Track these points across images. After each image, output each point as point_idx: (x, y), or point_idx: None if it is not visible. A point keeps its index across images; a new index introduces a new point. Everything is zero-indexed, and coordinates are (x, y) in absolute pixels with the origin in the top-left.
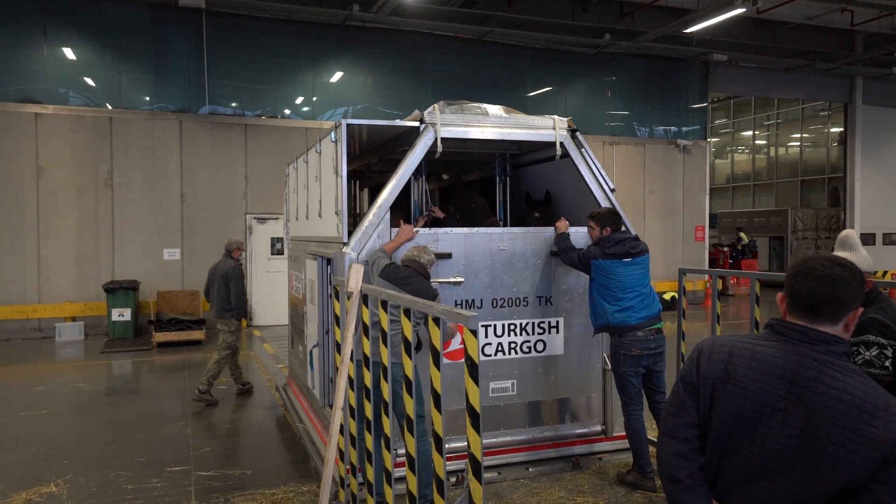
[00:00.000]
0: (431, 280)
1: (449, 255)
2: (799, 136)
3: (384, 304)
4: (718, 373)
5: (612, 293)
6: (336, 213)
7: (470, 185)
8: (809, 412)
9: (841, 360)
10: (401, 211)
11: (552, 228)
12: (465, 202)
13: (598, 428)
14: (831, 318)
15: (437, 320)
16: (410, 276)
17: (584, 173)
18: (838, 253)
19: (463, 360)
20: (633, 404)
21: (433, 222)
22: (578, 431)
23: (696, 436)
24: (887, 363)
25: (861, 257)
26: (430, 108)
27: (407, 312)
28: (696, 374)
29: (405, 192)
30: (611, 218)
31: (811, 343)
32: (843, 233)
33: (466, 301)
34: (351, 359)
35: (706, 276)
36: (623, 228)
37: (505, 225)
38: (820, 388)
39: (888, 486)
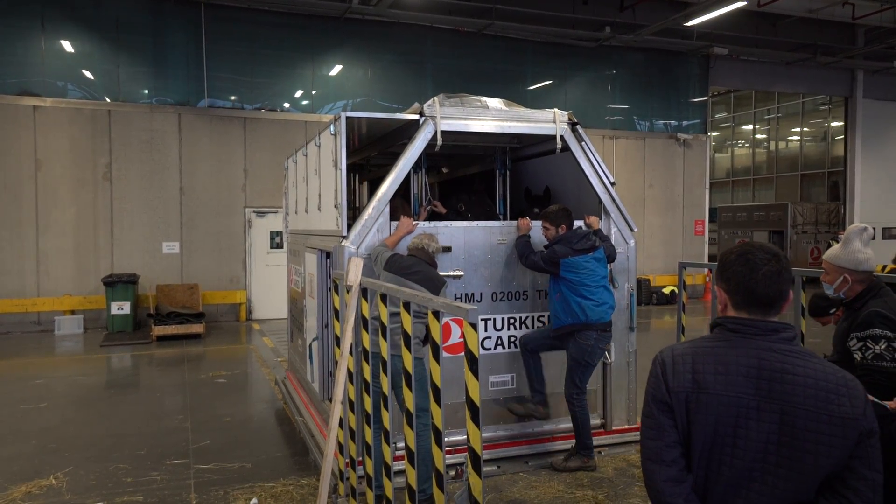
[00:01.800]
0: None
1: (448, 249)
2: (799, 130)
3: (384, 298)
4: (688, 384)
5: (586, 289)
6: (335, 206)
7: (479, 183)
8: (782, 404)
9: (793, 344)
10: (403, 198)
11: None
12: (479, 203)
13: (598, 421)
14: (778, 309)
15: (437, 314)
16: (415, 264)
17: (584, 167)
18: (846, 247)
19: (462, 353)
20: (584, 392)
21: (433, 217)
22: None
23: (681, 454)
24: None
25: (848, 252)
26: (429, 101)
27: (407, 306)
28: (665, 390)
29: (405, 185)
30: (563, 215)
31: (766, 335)
32: (857, 227)
33: (466, 295)
34: (350, 352)
35: (706, 270)
36: (576, 225)
37: (504, 219)
38: (786, 377)
39: (866, 458)
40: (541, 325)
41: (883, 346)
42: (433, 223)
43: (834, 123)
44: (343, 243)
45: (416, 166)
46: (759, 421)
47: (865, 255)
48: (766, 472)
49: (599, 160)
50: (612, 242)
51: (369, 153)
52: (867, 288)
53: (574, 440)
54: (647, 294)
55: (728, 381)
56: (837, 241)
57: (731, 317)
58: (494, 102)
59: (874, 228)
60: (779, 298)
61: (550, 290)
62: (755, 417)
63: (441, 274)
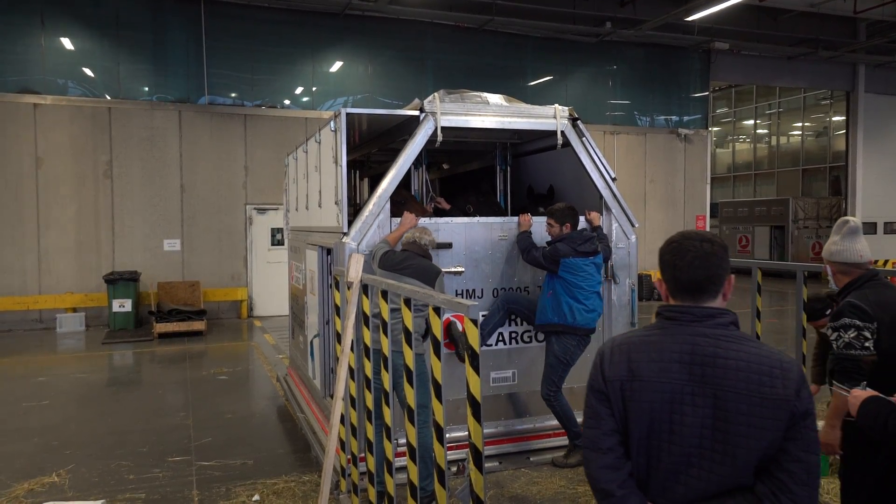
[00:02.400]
0: None
1: (449, 245)
2: (800, 124)
3: (384, 294)
4: (623, 373)
5: (581, 292)
6: (336, 202)
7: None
8: (715, 388)
9: (729, 329)
10: (411, 193)
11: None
12: (488, 204)
13: None
14: (712, 294)
15: (437, 310)
16: (407, 258)
17: (585, 162)
18: (837, 238)
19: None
20: (560, 390)
21: (437, 213)
22: (580, 420)
23: (619, 442)
24: (867, 343)
25: (828, 244)
26: (429, 97)
27: (408, 302)
28: (602, 379)
29: (405, 181)
30: (570, 214)
31: (699, 320)
32: (840, 220)
33: (467, 291)
34: (351, 349)
35: None
36: (580, 225)
37: (505, 215)
38: (718, 361)
39: (801, 440)
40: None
41: (852, 335)
42: (434, 219)
43: (835, 118)
44: (344, 240)
45: (417, 162)
46: (694, 406)
47: (838, 247)
48: (703, 457)
49: (600, 155)
50: (613, 238)
51: (370, 150)
52: (853, 280)
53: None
54: (648, 289)
55: (661, 367)
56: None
57: (668, 305)
58: (495, 98)
59: (876, 223)
60: (707, 283)
61: (544, 286)
62: (690, 403)
63: (442, 270)
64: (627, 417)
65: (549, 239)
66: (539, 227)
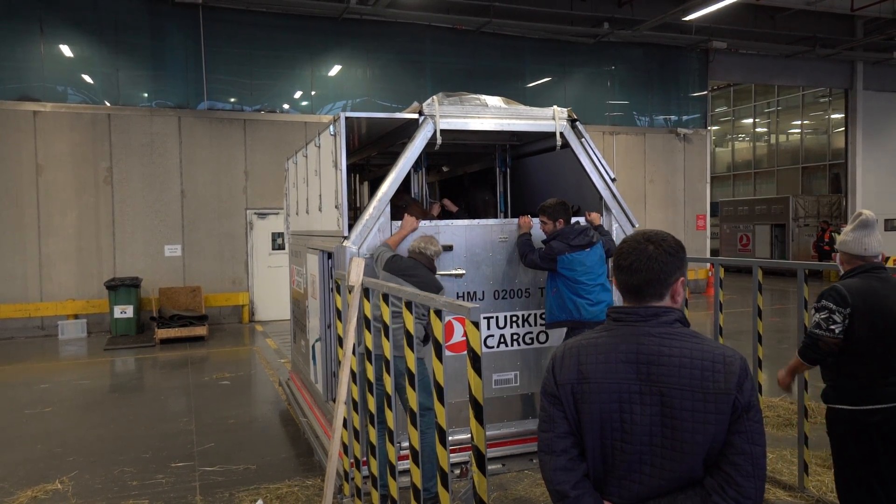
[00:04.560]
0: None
1: (450, 248)
2: (799, 122)
3: (385, 298)
4: (573, 376)
5: (583, 286)
6: (336, 206)
7: (480, 182)
8: (661, 386)
9: (674, 327)
10: (412, 196)
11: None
12: (484, 203)
13: None
14: (656, 296)
15: (438, 313)
16: (414, 266)
17: (584, 163)
18: (853, 233)
19: (465, 352)
20: None
21: (445, 215)
22: None
23: (573, 444)
24: (833, 327)
25: (842, 234)
26: (428, 100)
27: (409, 305)
28: (554, 383)
29: (405, 184)
30: (562, 209)
31: (645, 320)
32: (857, 212)
33: (468, 293)
34: (353, 352)
35: (708, 265)
36: (573, 220)
37: (505, 216)
38: (662, 359)
39: (746, 433)
40: (543, 321)
41: (823, 316)
42: (435, 222)
43: (834, 115)
44: (344, 244)
45: (417, 165)
46: (643, 405)
47: (847, 238)
48: (654, 454)
49: (599, 156)
50: (614, 237)
51: (369, 153)
52: (850, 269)
53: None
54: None
55: (608, 368)
56: (826, 231)
57: (615, 306)
58: (493, 100)
59: (877, 219)
60: (646, 286)
61: (547, 285)
62: (638, 402)
63: (442, 273)
64: (580, 419)
65: (545, 237)
66: (538, 229)
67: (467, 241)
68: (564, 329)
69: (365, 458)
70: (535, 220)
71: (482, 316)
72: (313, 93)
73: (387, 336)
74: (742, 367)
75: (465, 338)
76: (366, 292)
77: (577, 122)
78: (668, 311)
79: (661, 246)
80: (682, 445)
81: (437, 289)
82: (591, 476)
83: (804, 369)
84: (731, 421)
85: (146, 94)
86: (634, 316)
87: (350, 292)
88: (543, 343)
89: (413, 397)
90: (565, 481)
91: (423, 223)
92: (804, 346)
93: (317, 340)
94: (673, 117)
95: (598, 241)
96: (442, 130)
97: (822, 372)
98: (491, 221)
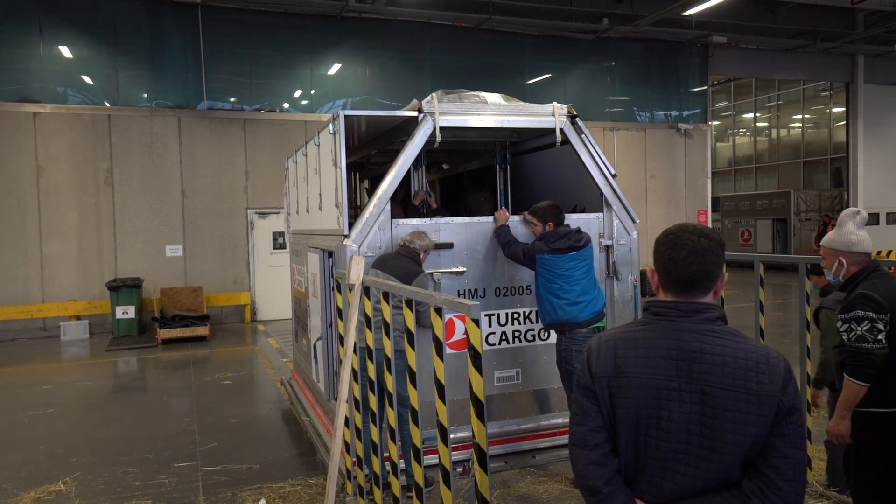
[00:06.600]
0: (433, 270)
1: (450, 245)
2: (800, 116)
3: (386, 296)
4: (609, 369)
5: (559, 287)
6: (336, 205)
7: (479, 183)
8: (702, 384)
9: (716, 324)
10: (400, 204)
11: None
12: (479, 203)
13: None
14: (704, 291)
15: (438, 310)
16: (393, 258)
17: (584, 159)
18: (841, 230)
19: (466, 349)
20: None
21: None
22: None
23: (606, 439)
24: (880, 336)
25: (842, 234)
26: (428, 98)
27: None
28: (589, 376)
29: (405, 182)
30: (552, 212)
31: (686, 316)
32: (850, 210)
33: (469, 290)
34: (354, 351)
35: None
36: (566, 223)
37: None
38: (704, 357)
39: (787, 437)
40: None
41: (865, 328)
42: (434, 220)
43: (835, 109)
44: (345, 242)
45: (416, 163)
46: (681, 402)
47: (858, 237)
48: (690, 452)
49: (600, 152)
50: (615, 235)
51: (369, 151)
52: (860, 270)
53: None
54: (650, 285)
55: (648, 363)
56: (827, 226)
57: (655, 300)
58: (493, 97)
59: (878, 213)
60: (701, 279)
61: (534, 287)
62: (676, 399)
63: (443, 271)
64: (615, 414)
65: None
66: (518, 224)
67: (467, 238)
68: None
69: (367, 457)
70: (514, 217)
71: (483, 313)
72: (313, 91)
73: (387, 334)
74: (786, 368)
75: (465, 335)
76: (366, 290)
77: (577, 119)
78: (710, 308)
79: (713, 240)
80: (721, 446)
81: (412, 274)
82: (622, 472)
83: (860, 396)
84: (774, 423)
85: (146, 95)
86: (675, 311)
87: (350, 291)
88: (545, 340)
89: (414, 394)
90: (598, 476)
91: (424, 221)
92: (856, 364)
93: (318, 339)
94: (673, 112)
95: (587, 245)
96: (441, 128)
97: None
98: (491, 219)
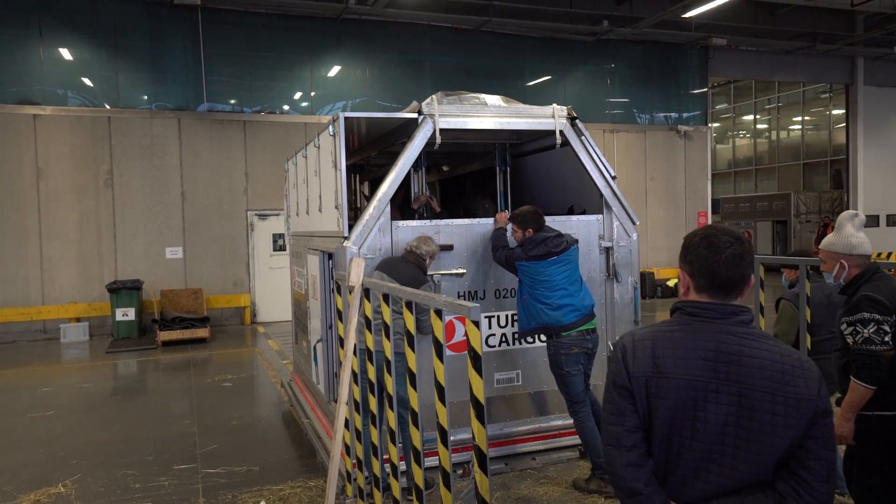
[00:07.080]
0: (433, 272)
1: (450, 247)
2: (800, 118)
3: (386, 298)
4: (648, 369)
5: (541, 293)
6: (336, 207)
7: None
8: (740, 386)
9: (750, 328)
10: (398, 208)
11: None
12: (485, 210)
13: None
14: (740, 293)
15: (439, 312)
16: (399, 265)
17: (584, 161)
18: (840, 233)
19: (466, 351)
20: (582, 404)
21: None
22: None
23: (642, 439)
24: (887, 338)
25: (842, 237)
26: (427, 100)
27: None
28: (626, 375)
29: (405, 184)
30: (532, 218)
31: (723, 318)
32: (848, 213)
33: (469, 292)
34: (354, 353)
35: None
36: (547, 226)
37: None
38: (743, 360)
39: (820, 439)
40: None
41: (872, 330)
42: (434, 221)
43: (835, 111)
44: (345, 244)
45: (416, 165)
46: (718, 403)
47: (858, 240)
48: (725, 453)
49: (600, 154)
50: (615, 237)
51: (369, 153)
52: (861, 273)
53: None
54: (651, 287)
55: (687, 364)
56: (827, 227)
57: (689, 301)
58: (493, 99)
59: (879, 215)
60: (740, 282)
61: (517, 293)
62: (714, 400)
63: (443, 273)
64: (651, 413)
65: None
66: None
67: (468, 240)
68: None
69: (367, 459)
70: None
71: (483, 315)
72: (313, 93)
73: (388, 336)
74: (819, 373)
75: (465, 337)
76: (366, 292)
77: (577, 120)
78: (745, 311)
79: (745, 244)
80: (757, 447)
81: (417, 283)
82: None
83: (866, 399)
84: (808, 426)
85: (146, 97)
86: (713, 312)
87: (350, 293)
88: (545, 342)
89: (415, 396)
90: (638, 478)
91: (424, 223)
92: (863, 367)
93: (318, 341)
94: (673, 114)
95: (570, 249)
96: (441, 130)
97: (843, 381)
98: (491, 220)
